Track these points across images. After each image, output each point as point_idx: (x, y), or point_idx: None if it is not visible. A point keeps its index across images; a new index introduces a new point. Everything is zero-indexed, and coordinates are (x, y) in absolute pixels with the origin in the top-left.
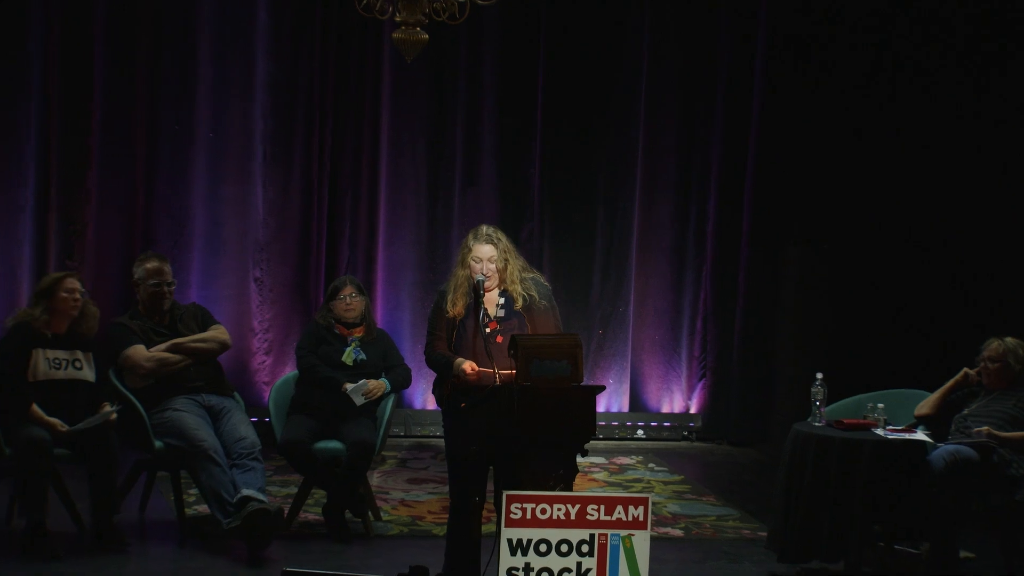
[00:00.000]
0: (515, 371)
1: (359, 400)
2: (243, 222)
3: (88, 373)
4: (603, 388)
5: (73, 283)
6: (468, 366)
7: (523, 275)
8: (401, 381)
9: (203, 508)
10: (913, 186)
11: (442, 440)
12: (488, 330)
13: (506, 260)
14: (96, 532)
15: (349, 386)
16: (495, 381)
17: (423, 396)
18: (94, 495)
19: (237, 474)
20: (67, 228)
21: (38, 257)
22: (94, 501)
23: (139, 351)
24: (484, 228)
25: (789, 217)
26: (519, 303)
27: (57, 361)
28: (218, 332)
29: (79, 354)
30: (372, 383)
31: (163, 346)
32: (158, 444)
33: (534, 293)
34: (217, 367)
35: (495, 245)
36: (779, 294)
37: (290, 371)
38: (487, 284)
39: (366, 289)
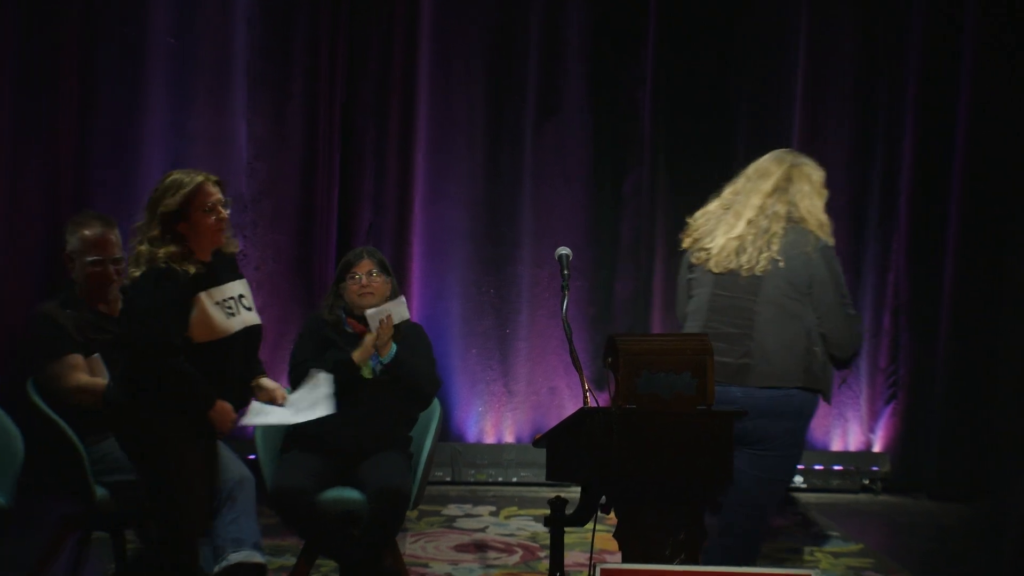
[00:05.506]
0: (615, 388)
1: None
2: (219, 169)
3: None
4: (745, 413)
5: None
6: None
7: None
8: (420, 382)
9: None
10: None
11: (503, 488)
12: None
13: None
14: None
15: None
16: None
17: (478, 425)
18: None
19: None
20: None
21: None
22: None
23: (69, 372)
24: None
25: (1019, 170)
26: None
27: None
28: None
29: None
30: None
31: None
32: (100, 492)
33: None
34: None
35: None
36: (1004, 279)
37: (287, 385)
38: None
39: (395, 267)
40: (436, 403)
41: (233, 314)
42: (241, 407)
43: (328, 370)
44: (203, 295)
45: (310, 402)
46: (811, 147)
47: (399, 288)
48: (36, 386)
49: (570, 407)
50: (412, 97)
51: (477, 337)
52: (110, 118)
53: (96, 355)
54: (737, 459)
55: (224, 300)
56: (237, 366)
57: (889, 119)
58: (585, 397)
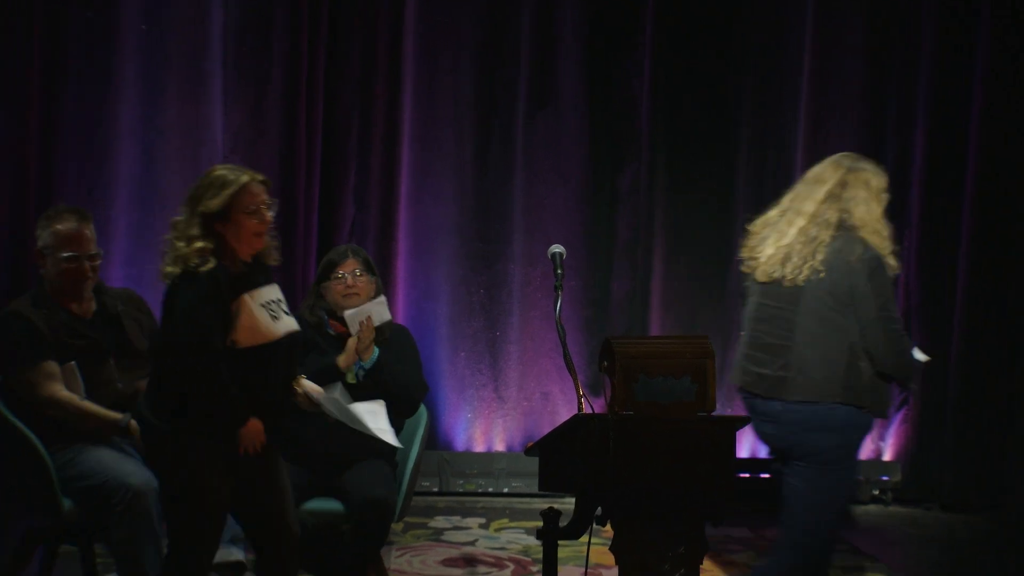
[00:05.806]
0: (611, 394)
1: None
2: (193, 163)
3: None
4: (749, 420)
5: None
6: None
7: None
8: (405, 388)
9: None
10: None
11: (494, 499)
12: None
13: None
14: None
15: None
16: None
17: (467, 433)
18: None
19: None
20: None
21: None
22: None
23: (45, 381)
24: None
25: None
26: None
27: None
28: None
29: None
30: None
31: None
32: (67, 504)
33: None
34: None
35: None
36: (1019, 279)
37: None
38: None
39: (379, 266)
40: (423, 410)
41: (276, 317)
42: (283, 414)
43: (310, 377)
44: (247, 297)
45: (351, 414)
46: (814, 142)
47: (383, 288)
48: (2, 391)
49: (564, 413)
50: (397, 89)
51: (466, 339)
52: (78, 104)
53: (72, 363)
54: (784, 473)
55: (267, 303)
56: (281, 372)
57: (899, 114)
58: (580, 403)
